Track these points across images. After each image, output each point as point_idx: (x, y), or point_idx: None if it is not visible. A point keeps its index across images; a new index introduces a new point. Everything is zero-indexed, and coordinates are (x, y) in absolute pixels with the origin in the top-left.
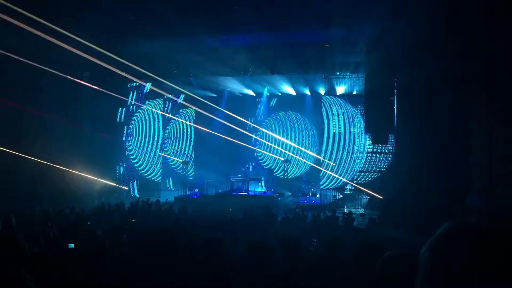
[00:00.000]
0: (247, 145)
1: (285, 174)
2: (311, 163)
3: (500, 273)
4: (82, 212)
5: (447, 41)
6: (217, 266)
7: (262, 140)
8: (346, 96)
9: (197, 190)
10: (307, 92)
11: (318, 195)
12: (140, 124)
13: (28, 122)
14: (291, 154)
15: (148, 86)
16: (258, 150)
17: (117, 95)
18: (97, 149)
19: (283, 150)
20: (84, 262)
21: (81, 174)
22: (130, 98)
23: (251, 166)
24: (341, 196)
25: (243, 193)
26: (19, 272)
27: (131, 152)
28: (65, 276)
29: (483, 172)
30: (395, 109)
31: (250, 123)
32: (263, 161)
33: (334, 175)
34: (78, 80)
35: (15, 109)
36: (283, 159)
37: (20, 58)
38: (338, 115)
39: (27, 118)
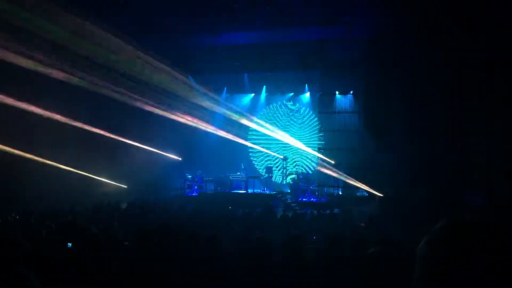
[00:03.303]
0: (244, 142)
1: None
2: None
3: (497, 270)
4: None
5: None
6: (216, 264)
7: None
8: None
9: (196, 188)
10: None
11: (317, 193)
12: None
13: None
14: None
15: None
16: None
17: None
18: None
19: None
20: (82, 260)
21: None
22: None
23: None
24: (340, 193)
25: (243, 191)
26: (24, 270)
27: None
28: (65, 275)
29: (482, 169)
30: (394, 107)
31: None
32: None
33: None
34: None
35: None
36: (282, 157)
37: None
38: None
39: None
